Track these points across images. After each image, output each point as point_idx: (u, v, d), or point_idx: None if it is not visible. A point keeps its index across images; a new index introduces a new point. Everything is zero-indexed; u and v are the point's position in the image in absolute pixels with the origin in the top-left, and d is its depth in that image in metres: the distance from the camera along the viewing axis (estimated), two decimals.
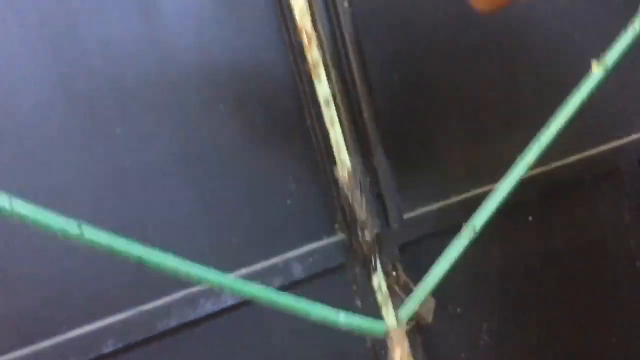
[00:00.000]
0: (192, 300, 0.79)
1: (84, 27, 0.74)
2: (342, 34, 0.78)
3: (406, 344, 0.70)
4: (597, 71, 0.33)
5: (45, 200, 0.51)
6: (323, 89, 0.56)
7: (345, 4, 0.79)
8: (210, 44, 0.78)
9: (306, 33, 0.37)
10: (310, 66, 0.54)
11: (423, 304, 0.82)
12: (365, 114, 0.79)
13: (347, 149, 0.69)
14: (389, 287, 0.86)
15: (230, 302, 0.81)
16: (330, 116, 0.63)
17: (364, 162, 0.83)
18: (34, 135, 0.73)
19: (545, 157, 0.68)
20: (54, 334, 0.75)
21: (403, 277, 0.88)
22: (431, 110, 0.91)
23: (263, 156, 0.83)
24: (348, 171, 0.67)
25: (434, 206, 0.92)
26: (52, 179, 0.74)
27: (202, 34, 0.78)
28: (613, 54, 0.36)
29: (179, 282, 0.66)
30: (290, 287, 0.84)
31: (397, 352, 0.68)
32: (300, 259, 0.85)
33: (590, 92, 0.44)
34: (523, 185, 0.70)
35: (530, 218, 0.99)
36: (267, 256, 0.84)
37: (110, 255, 0.53)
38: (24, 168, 0.73)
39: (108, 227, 0.53)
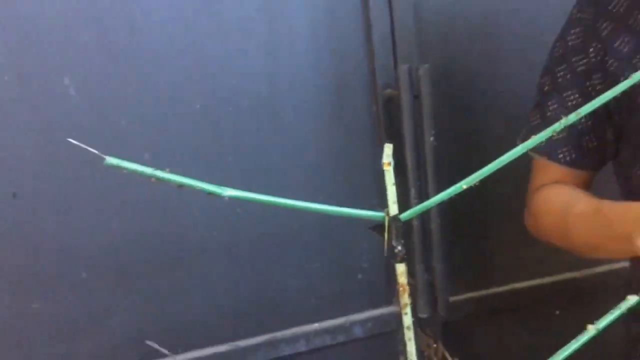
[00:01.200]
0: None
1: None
2: None
3: None
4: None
5: None
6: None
7: None
8: None
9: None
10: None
11: None
12: (433, 225, 0.99)
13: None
14: (429, 358, 1.06)
15: None
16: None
17: (424, 260, 1.02)
18: None
19: None
20: None
21: (441, 350, 1.07)
22: (487, 215, 1.10)
23: (344, 234, 1.04)
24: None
25: (478, 293, 1.11)
26: None
27: None
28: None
29: None
30: (350, 343, 1.04)
31: None
32: (362, 322, 1.05)
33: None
34: None
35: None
36: (334, 316, 1.05)
37: None
38: None
39: None
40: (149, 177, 0.34)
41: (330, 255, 1.02)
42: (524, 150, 0.36)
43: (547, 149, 0.78)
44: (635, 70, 0.65)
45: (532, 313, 1.16)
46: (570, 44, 0.77)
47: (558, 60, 0.78)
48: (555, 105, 0.78)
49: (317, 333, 1.03)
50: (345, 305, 1.05)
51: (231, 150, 0.95)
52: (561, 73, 0.77)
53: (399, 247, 0.47)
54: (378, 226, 0.47)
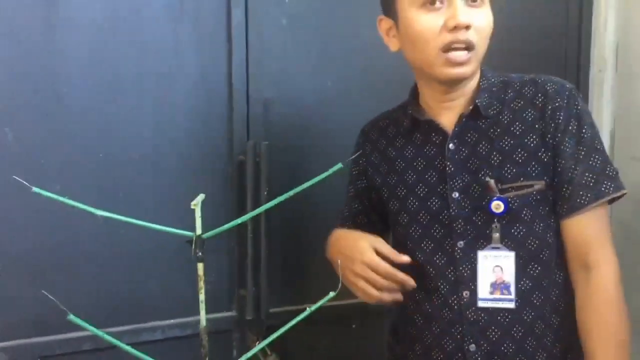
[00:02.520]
0: None
1: None
2: None
3: None
4: None
5: None
6: None
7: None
8: None
9: None
10: None
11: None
12: (262, 253, 1.42)
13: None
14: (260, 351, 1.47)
15: None
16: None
17: (253, 278, 1.44)
18: None
19: None
20: None
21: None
22: (305, 249, 1.54)
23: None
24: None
25: (295, 307, 1.54)
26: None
27: None
28: None
29: None
30: (195, 336, 1.42)
31: None
32: (211, 321, 1.44)
33: None
34: None
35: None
36: (186, 315, 1.43)
37: None
38: None
39: None
40: (58, 201, 0.74)
41: (185, 268, 1.41)
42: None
43: (342, 222, 1.26)
44: (381, 175, 1.12)
45: (336, 325, 1.60)
46: (354, 173, 1.27)
47: (351, 181, 1.28)
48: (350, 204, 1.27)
49: (171, 326, 1.41)
50: (194, 307, 1.43)
51: (122, 188, 1.34)
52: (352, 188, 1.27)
53: (200, 254, 0.89)
54: (190, 240, 0.89)
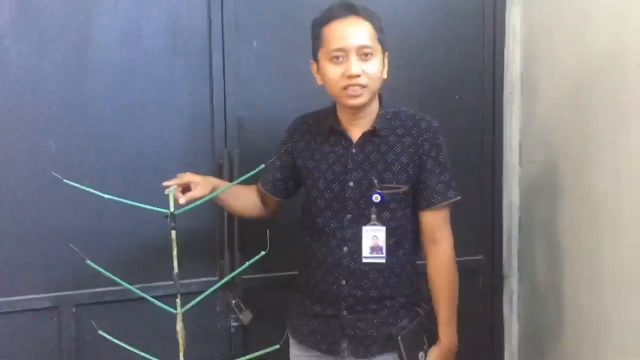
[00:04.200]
0: None
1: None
2: None
3: None
4: None
5: None
6: None
7: None
8: None
9: None
10: None
11: (244, 313, 1.94)
12: (236, 231, 1.92)
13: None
14: (231, 308, 1.97)
15: None
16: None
17: (229, 250, 1.94)
18: None
19: None
20: None
21: (238, 302, 1.98)
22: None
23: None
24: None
25: (264, 275, 2.03)
26: None
27: None
28: None
29: None
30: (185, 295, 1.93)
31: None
32: (199, 284, 1.94)
33: None
34: None
35: None
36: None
37: None
38: None
39: None
40: (83, 190, 1.26)
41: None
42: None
43: (263, 182, 1.76)
44: (303, 159, 1.69)
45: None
46: (282, 151, 1.74)
47: (278, 156, 1.75)
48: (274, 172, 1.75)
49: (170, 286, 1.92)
50: (189, 272, 1.94)
51: (132, 183, 1.86)
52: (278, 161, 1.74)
53: (173, 224, 1.38)
54: (166, 216, 1.39)
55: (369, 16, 1.52)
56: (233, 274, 1.51)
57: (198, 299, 1.39)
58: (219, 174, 1.94)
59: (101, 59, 1.83)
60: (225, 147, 1.95)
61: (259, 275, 2.04)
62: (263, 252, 1.47)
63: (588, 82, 1.84)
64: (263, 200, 1.79)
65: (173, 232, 1.40)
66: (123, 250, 1.89)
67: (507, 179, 2.28)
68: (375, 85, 1.54)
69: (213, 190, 1.59)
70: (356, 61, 1.49)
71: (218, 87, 1.94)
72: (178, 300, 1.39)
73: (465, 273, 2.24)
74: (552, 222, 2.04)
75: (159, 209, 1.37)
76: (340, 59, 1.50)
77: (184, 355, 1.35)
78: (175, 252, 1.42)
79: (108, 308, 1.89)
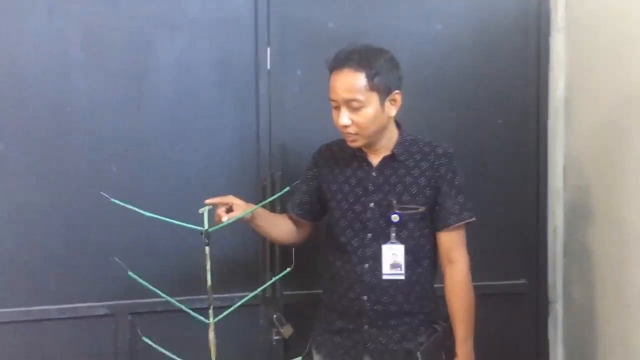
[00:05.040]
0: None
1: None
2: None
3: None
4: None
5: None
6: None
7: None
8: None
9: None
10: None
11: (285, 327, 2.04)
12: (277, 250, 2.03)
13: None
14: (272, 322, 2.08)
15: None
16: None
17: (271, 269, 2.05)
18: None
19: None
20: None
21: (280, 317, 2.09)
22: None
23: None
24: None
25: (304, 292, 2.12)
26: None
27: None
28: None
29: None
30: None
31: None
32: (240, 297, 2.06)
33: None
34: None
35: None
36: (225, 292, 2.06)
37: None
38: None
39: None
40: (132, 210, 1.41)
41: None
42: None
43: (292, 206, 1.86)
44: (327, 182, 1.82)
45: None
46: (308, 175, 1.84)
47: (304, 180, 1.85)
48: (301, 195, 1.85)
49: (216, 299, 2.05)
50: (232, 284, 2.07)
51: (183, 204, 2.00)
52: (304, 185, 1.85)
53: (207, 240, 1.51)
54: (201, 232, 1.52)
55: (365, 65, 1.59)
56: (260, 289, 1.64)
57: (227, 311, 1.51)
58: (262, 195, 2.07)
59: (158, 89, 2.02)
60: (269, 170, 2.08)
61: (300, 292, 2.14)
62: (289, 269, 1.58)
63: (628, 108, 1.83)
64: (297, 226, 1.89)
65: (207, 248, 1.52)
66: (174, 265, 2.05)
67: (552, 203, 2.27)
68: (368, 131, 1.64)
69: (254, 213, 1.72)
70: (345, 112, 1.62)
71: (264, 115, 2.08)
72: (210, 311, 1.51)
73: (509, 297, 2.27)
74: (596, 246, 2.02)
75: (193, 227, 1.50)
76: (337, 105, 1.65)
77: None
78: (208, 267, 1.54)
79: (161, 317, 2.05)
